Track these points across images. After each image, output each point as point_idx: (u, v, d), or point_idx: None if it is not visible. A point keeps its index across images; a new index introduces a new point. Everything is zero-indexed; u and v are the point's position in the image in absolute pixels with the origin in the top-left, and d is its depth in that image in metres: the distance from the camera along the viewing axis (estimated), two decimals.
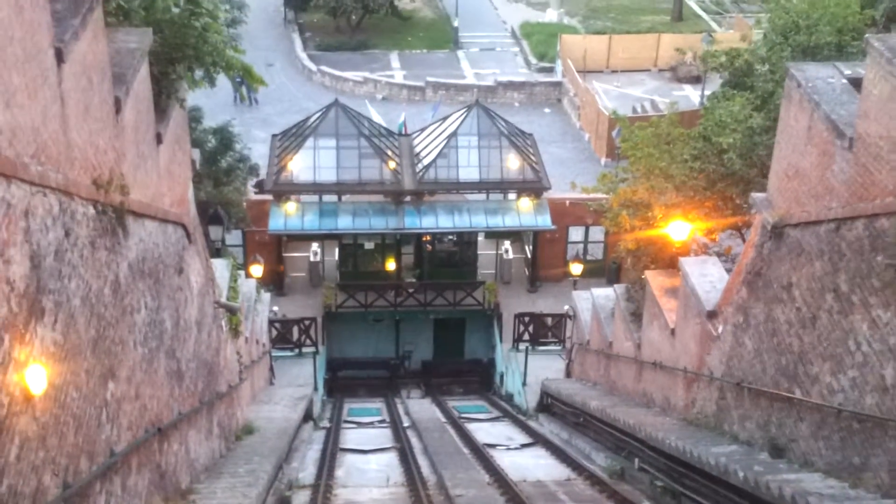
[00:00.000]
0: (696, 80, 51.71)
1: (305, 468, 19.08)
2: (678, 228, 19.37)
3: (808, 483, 12.14)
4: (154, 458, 10.73)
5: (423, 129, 38.16)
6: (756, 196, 16.03)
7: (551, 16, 62.26)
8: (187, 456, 12.51)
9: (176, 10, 13.50)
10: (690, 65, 51.49)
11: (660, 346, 20.26)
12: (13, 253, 6.81)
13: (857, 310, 12.13)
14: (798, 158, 14.43)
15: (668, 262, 20.28)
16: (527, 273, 38.44)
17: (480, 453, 21.03)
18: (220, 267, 18.08)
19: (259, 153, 38.30)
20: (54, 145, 8.02)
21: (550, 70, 55.23)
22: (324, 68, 54.22)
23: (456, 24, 59.26)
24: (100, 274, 9.19)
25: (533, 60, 56.75)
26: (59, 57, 8.21)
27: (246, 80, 16.73)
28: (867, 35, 12.91)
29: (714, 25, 61.37)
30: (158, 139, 12.46)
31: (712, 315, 17.28)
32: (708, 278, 18.03)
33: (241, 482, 12.94)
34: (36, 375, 6.96)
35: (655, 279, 20.31)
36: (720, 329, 16.99)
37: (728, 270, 18.24)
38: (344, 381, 36.41)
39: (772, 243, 14.96)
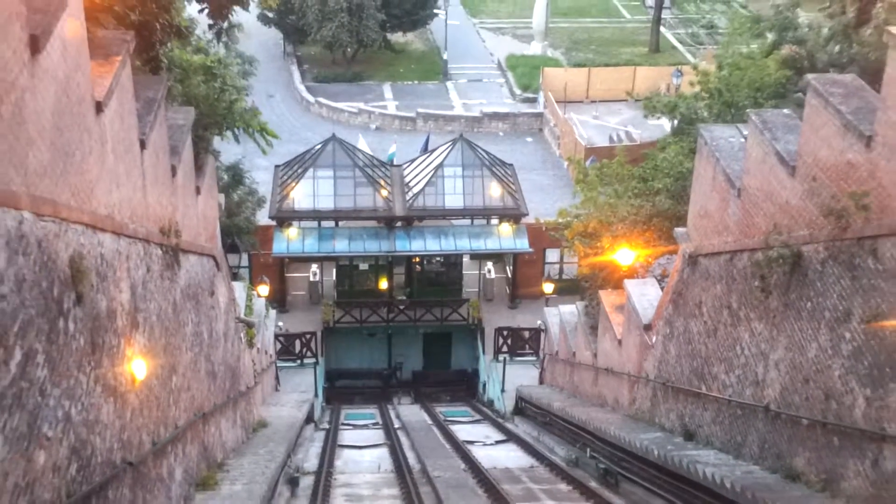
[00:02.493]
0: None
1: (309, 459, 22.45)
2: (624, 255, 22.92)
3: (703, 457, 15.65)
4: (200, 435, 14.21)
5: (412, 160, 41.66)
6: (678, 230, 19.57)
7: (535, 48, 65.65)
8: (220, 438, 16.00)
9: (205, 85, 17.08)
10: (666, 95, 55.10)
11: (611, 354, 23.76)
12: (123, 285, 10.30)
13: (742, 323, 15.67)
14: (706, 202, 18.00)
15: (618, 283, 23.79)
16: (507, 291, 41.95)
17: (460, 448, 24.39)
18: (239, 289, 21.61)
19: (261, 179, 41.61)
20: (140, 208, 11.52)
21: (534, 101, 58.75)
22: (321, 100, 57.75)
23: (445, 56, 62.85)
24: (165, 297, 12.68)
25: (517, 91, 60.35)
26: (142, 145, 11.73)
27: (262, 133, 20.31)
28: (748, 110, 16.51)
29: (689, 57, 64.95)
30: (198, 191, 15.98)
31: (648, 328, 20.77)
32: (646, 297, 21.52)
33: (262, 459, 16.41)
34: (139, 366, 10.43)
35: (607, 297, 23.83)
36: (654, 339, 20.48)
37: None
38: (341, 390, 39.80)
39: (689, 269, 18.48)
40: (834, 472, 12.22)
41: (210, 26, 15.66)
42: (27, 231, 7.19)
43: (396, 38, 66.35)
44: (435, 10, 64.95)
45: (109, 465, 9.07)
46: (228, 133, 17.62)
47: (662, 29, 68.37)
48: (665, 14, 69.91)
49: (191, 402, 13.70)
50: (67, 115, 8.47)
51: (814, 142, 13.31)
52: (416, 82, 62.62)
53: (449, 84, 62.25)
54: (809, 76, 13.88)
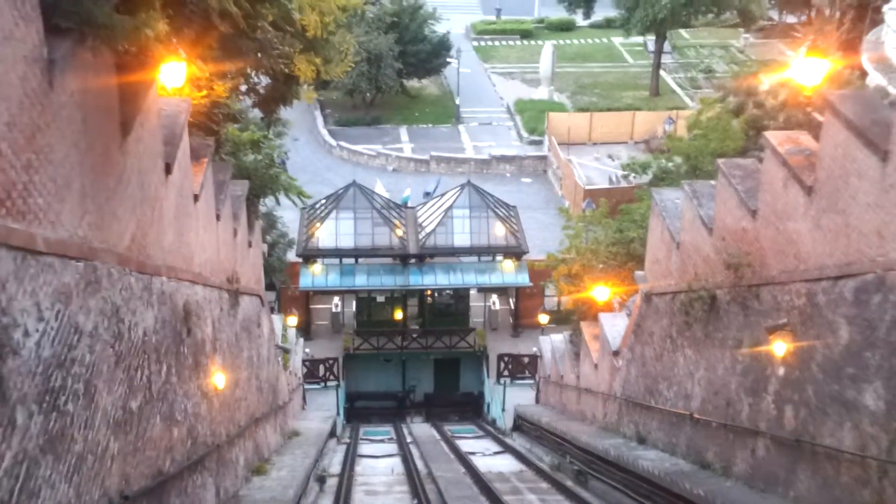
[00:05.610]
0: (666, 151, 59.57)
1: (333, 465, 26.58)
2: (600, 292, 27.10)
3: (646, 455, 19.78)
4: (253, 436, 18.45)
5: (424, 203, 46.09)
6: (638, 273, 23.76)
7: (542, 93, 69.77)
8: (266, 440, 20.24)
9: (252, 157, 21.45)
10: (661, 138, 59.33)
11: (589, 376, 27.88)
12: (208, 321, 14.58)
13: (679, 349, 19.81)
14: (657, 251, 22.18)
15: (596, 316, 27.94)
16: (510, 321, 46.14)
17: (462, 457, 28.46)
18: (276, 321, 25.92)
19: (288, 218, 45.86)
20: (215, 264, 15.82)
21: (540, 143, 62.99)
22: (342, 143, 62.28)
23: (458, 101, 67.35)
24: (231, 329, 16.95)
25: (524, 134, 64.66)
26: (218, 217, 16.06)
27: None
28: (682, 181, 20.76)
29: (688, 101, 69.18)
30: (249, 244, 20.30)
31: (616, 353, 24.89)
32: (616, 328, 25.63)
33: (298, 458, 20.64)
34: (219, 379, 14.69)
35: (587, 328, 27.99)
36: (620, 363, 24.60)
37: None
38: (360, 410, 43.96)
39: (645, 305, 22.62)
40: (730, 460, 16.36)
41: (261, 119, 19.98)
42: (165, 289, 11.49)
43: (412, 83, 70.59)
44: (448, 59, 69.43)
45: (205, 445, 13.33)
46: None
47: (663, 73, 72.60)
48: (666, 59, 74.14)
49: (247, 409, 17.95)
50: (181, 208, 12.79)
51: (722, 211, 17.53)
52: (430, 125, 67.01)
53: (461, 127, 66.61)
54: (719, 161, 18.14)
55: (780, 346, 14.24)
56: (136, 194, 10.19)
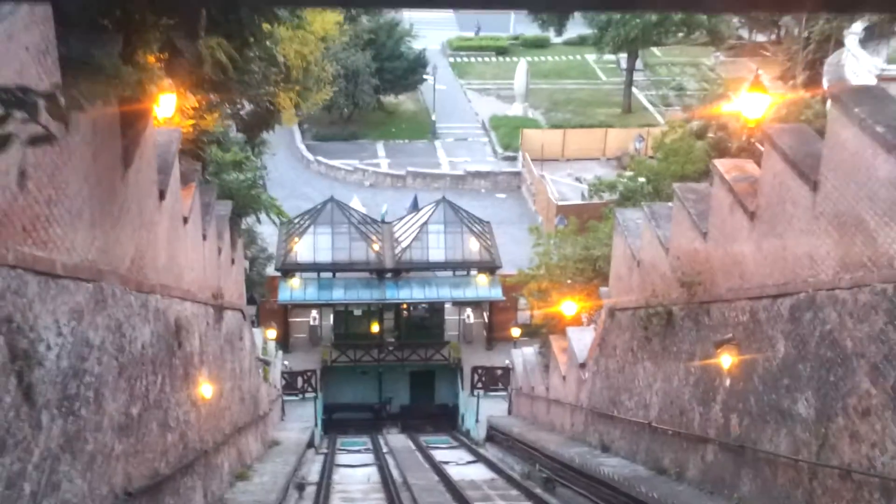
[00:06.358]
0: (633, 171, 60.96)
1: (311, 474, 27.52)
2: (568, 307, 28.29)
3: (608, 462, 20.94)
4: (237, 443, 19.47)
5: (401, 219, 47.23)
6: (602, 289, 24.97)
7: (517, 109, 70.81)
8: (248, 447, 21.25)
9: (234, 177, 22.52)
10: (633, 154, 60.70)
11: (558, 388, 29.04)
12: (196, 335, 15.61)
13: (639, 362, 21.00)
14: (620, 268, 23.39)
15: (565, 330, 29.13)
16: (484, 334, 47.25)
17: (436, 466, 29.48)
18: (257, 334, 26.94)
19: (267, 233, 46.87)
20: (202, 281, 16.87)
21: (514, 159, 64.14)
22: (320, 158, 63.27)
23: (434, 117, 68.52)
24: (216, 342, 17.98)
25: (499, 150, 65.82)
26: (204, 237, 17.10)
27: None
28: (642, 203, 21.99)
29: (658, 118, 70.59)
30: (232, 262, 21.35)
31: (582, 366, 26.06)
32: (583, 341, 26.80)
33: (279, 465, 21.66)
34: (206, 389, 15.72)
35: (556, 341, 29.16)
36: (586, 375, 25.77)
37: None
38: (337, 421, 44.87)
39: (609, 320, 23.81)
40: (683, 466, 17.54)
41: (245, 141, 21.10)
42: (159, 306, 12.53)
43: (389, 99, 71.65)
44: (424, 76, 70.66)
45: (195, 451, 14.36)
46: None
47: (635, 90, 74.07)
48: (638, 76, 75.64)
49: (231, 418, 18.97)
50: (172, 231, 13.85)
51: (677, 232, 18.74)
52: (406, 141, 68.10)
53: (437, 142, 67.74)
54: (675, 185, 19.38)
55: (726, 359, 15.45)
56: (135, 220, 11.26)
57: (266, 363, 25.93)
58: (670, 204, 21.39)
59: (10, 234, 7.19)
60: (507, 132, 67.04)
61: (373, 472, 28.95)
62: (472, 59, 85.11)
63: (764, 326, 14.46)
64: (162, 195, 12.90)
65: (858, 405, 11.44)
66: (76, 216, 8.81)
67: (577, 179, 57.53)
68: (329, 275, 45.11)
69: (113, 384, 9.83)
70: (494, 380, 43.08)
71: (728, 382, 15.66)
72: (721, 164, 16.66)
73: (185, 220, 14.99)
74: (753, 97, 15.41)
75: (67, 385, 8.30)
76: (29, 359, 7.36)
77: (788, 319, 13.60)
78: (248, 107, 17.78)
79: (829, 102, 15.84)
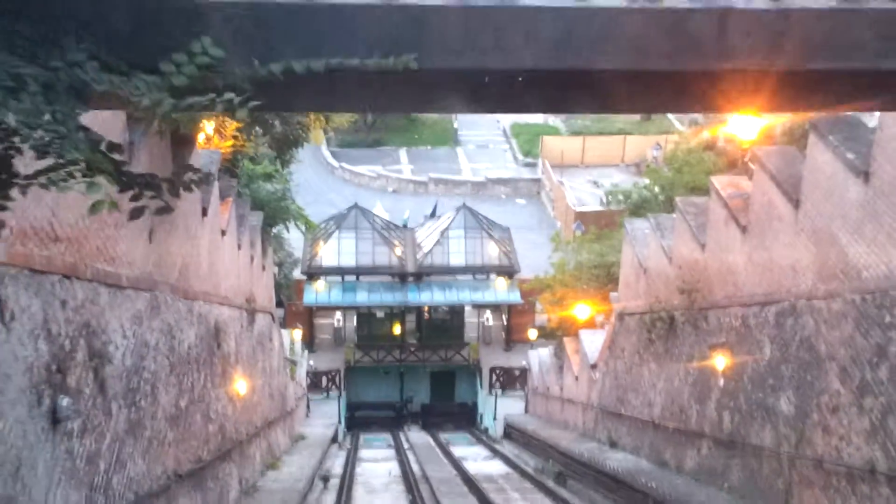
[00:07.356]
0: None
1: (335, 467, 28.95)
2: (581, 311, 29.60)
3: (614, 456, 22.23)
4: (267, 436, 20.92)
5: (422, 224, 48.69)
6: (612, 294, 26.24)
7: (537, 116, 72.18)
8: (277, 441, 22.70)
9: (265, 188, 23.96)
10: (651, 162, 61.74)
11: (571, 388, 30.34)
12: (232, 336, 17.06)
13: (645, 363, 22.28)
14: (629, 275, 24.66)
15: (578, 333, 30.41)
16: (503, 336, 48.61)
17: (454, 461, 30.85)
18: (285, 335, 28.42)
19: (293, 237, 48.25)
20: (237, 287, 18.31)
21: (534, 166, 65.23)
22: (344, 164, 64.68)
23: (456, 124, 69.82)
24: (248, 343, 19.43)
25: (520, 157, 66.95)
26: (239, 247, 18.54)
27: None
28: (648, 214, 23.26)
29: (677, 124, 71.48)
30: (263, 268, 22.79)
31: (594, 367, 27.34)
32: (594, 344, 28.07)
33: (305, 457, 23.11)
34: (241, 386, 17.15)
35: (569, 343, 30.45)
36: (597, 375, 27.04)
37: None
38: (360, 419, 46.18)
39: (618, 323, 25.08)
40: (682, 459, 18.83)
41: (276, 157, 22.54)
42: (201, 311, 13.98)
43: None
44: None
45: (231, 441, 15.81)
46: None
47: None
48: None
49: (262, 412, 20.42)
50: (212, 242, 15.30)
51: (679, 242, 20.02)
52: (429, 148, 69.29)
53: (459, 149, 68.90)
54: (677, 199, 20.68)
55: (720, 361, 16.73)
56: (182, 235, 12.70)
57: (293, 362, 27.39)
58: (674, 215, 22.74)
59: (88, 253, 8.64)
60: (528, 139, 68.12)
61: (394, 466, 30.31)
62: None
63: (753, 331, 15.74)
64: (204, 212, 14.33)
65: (829, 403, 12.73)
66: (137, 235, 10.26)
67: (595, 184, 58.67)
68: (353, 278, 46.61)
69: (165, 380, 11.26)
70: (512, 380, 44.43)
71: (721, 382, 16.92)
72: (718, 181, 17.94)
73: (223, 232, 16.42)
74: (746, 119, 16.69)
75: (130, 380, 9.73)
76: (102, 357, 8.79)
77: (774, 325, 14.88)
78: (279, 127, 19.20)
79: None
